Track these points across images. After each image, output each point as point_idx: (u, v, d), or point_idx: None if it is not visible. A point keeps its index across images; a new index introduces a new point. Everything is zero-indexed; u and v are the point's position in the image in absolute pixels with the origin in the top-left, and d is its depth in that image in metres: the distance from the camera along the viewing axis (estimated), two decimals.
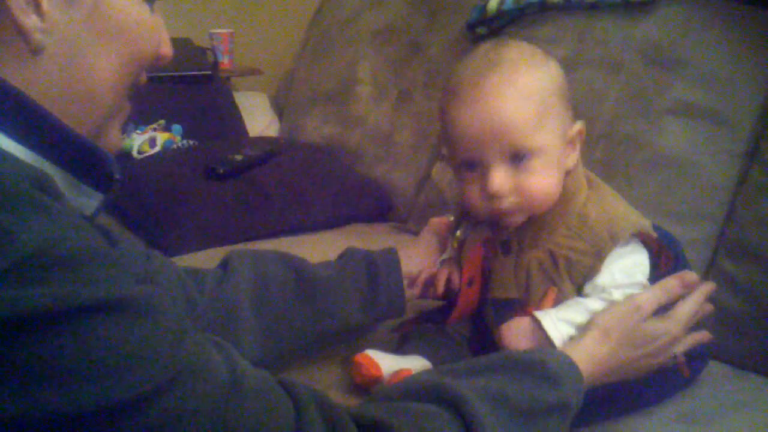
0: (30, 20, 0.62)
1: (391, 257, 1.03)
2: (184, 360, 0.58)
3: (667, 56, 1.27)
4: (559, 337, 0.87)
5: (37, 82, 0.64)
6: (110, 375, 0.53)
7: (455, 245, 1.01)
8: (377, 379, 0.93)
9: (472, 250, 0.95)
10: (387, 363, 0.94)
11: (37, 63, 0.64)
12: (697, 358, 0.97)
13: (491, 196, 0.88)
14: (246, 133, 2.05)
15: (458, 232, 1.02)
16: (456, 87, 0.88)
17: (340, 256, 1.06)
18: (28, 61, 0.63)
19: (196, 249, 1.47)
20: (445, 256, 1.05)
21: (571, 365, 0.80)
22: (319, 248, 1.48)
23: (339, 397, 0.97)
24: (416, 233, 1.56)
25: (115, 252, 0.60)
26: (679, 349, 0.90)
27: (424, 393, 0.73)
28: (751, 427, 0.89)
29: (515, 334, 0.88)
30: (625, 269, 0.89)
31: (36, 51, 0.63)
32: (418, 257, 1.06)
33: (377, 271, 1.01)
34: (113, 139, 0.73)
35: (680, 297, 0.89)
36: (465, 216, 1.01)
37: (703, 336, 0.93)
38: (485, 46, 0.91)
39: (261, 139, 1.95)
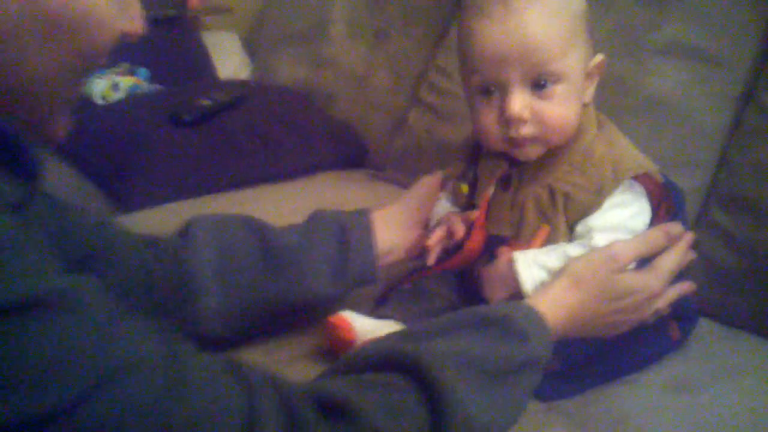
0: None
1: (362, 222, 0.96)
2: (116, 357, 0.52)
3: None
4: (531, 281, 0.82)
5: None
6: (31, 383, 0.47)
7: (464, 190, 0.94)
8: (350, 344, 0.88)
9: (487, 188, 0.90)
10: (362, 327, 0.89)
11: None
12: (686, 317, 0.92)
13: (510, 122, 0.83)
14: (215, 76, 1.96)
15: (463, 185, 0.94)
16: (481, 1, 0.83)
17: (309, 220, 0.99)
18: None
19: (161, 202, 1.40)
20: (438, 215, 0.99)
21: (538, 317, 0.75)
22: (292, 199, 1.42)
23: (308, 366, 0.91)
24: (393, 181, 1.50)
25: (31, 239, 0.53)
26: (662, 304, 0.84)
27: (385, 361, 0.67)
28: (745, 395, 0.84)
29: (491, 276, 0.85)
30: (623, 217, 0.84)
31: None
32: (403, 219, 1.00)
33: (348, 238, 0.94)
34: (60, 128, 0.65)
35: (663, 249, 0.83)
36: (473, 157, 0.94)
37: (688, 287, 0.88)
38: None
39: (230, 83, 1.87)
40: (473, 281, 0.91)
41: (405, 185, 1.45)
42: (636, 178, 0.85)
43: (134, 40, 0.66)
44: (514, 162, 0.88)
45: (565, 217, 0.84)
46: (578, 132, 0.86)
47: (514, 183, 0.88)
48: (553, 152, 0.86)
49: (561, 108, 0.84)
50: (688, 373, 0.88)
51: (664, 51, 1.17)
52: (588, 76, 0.86)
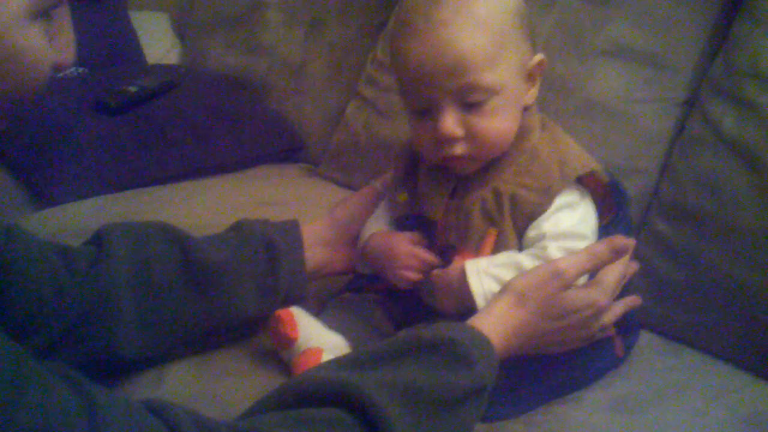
0: None
1: (292, 238, 0.92)
2: (28, 421, 0.48)
3: None
4: (482, 293, 0.80)
5: None
6: None
7: (402, 199, 0.90)
8: (291, 342, 0.84)
9: (438, 200, 0.86)
10: (306, 329, 0.85)
11: None
12: (628, 332, 0.91)
13: (442, 142, 0.80)
14: (143, 59, 1.87)
15: (401, 194, 0.91)
16: (405, 16, 0.81)
17: (235, 230, 0.93)
18: None
19: (84, 196, 1.33)
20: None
21: (484, 341, 0.73)
22: (224, 195, 1.37)
23: (240, 381, 0.87)
24: (328, 178, 1.46)
25: None
26: (608, 319, 0.83)
27: (325, 394, 0.64)
28: (688, 414, 0.83)
29: (443, 284, 0.83)
30: (572, 222, 0.82)
31: None
32: (333, 236, 0.97)
33: (277, 254, 0.90)
34: None
35: (608, 263, 0.81)
36: (412, 165, 0.91)
37: (633, 301, 0.87)
38: None
39: (159, 68, 1.78)
40: (420, 291, 0.88)
41: (341, 182, 1.43)
42: (582, 177, 0.83)
43: (66, 70, 0.60)
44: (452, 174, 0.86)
45: (512, 220, 0.82)
46: (522, 133, 0.84)
47: (460, 189, 0.85)
48: (499, 156, 0.84)
49: (495, 121, 0.81)
50: (632, 390, 0.86)
51: (607, 52, 1.15)
52: (528, 77, 0.83)
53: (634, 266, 0.89)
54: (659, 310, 1.01)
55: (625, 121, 1.12)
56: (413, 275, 0.87)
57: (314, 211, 1.17)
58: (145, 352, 0.86)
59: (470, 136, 0.80)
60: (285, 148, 1.58)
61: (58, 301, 0.80)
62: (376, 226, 0.94)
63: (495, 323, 0.75)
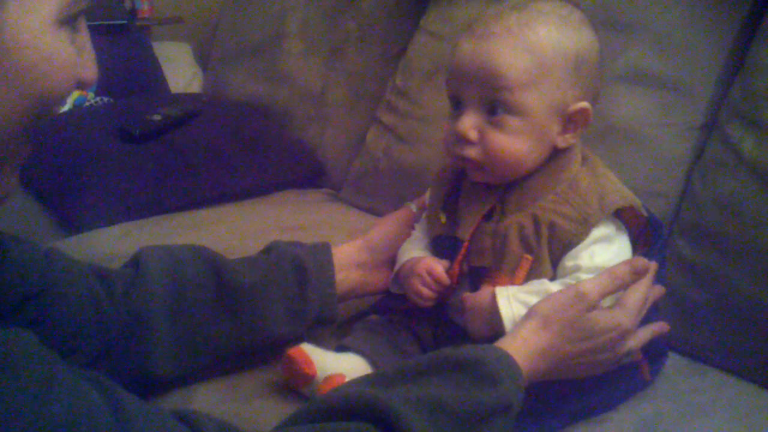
0: None
1: (322, 260, 0.93)
2: (55, 414, 0.49)
3: (620, 18, 1.18)
4: (511, 318, 0.81)
5: None
6: None
7: (443, 221, 0.91)
8: (309, 379, 0.85)
9: (471, 222, 0.87)
10: (322, 361, 0.86)
11: None
12: (657, 356, 0.91)
13: (458, 139, 0.83)
14: (166, 88, 1.91)
15: (442, 215, 0.91)
16: (475, 21, 0.85)
17: (266, 252, 0.95)
18: None
19: (111, 222, 1.35)
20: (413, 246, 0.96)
21: (510, 361, 0.73)
22: (247, 220, 1.39)
23: (268, 402, 0.88)
24: (350, 203, 1.47)
25: None
26: (634, 343, 0.83)
27: (352, 409, 0.65)
28: None
29: (473, 307, 0.83)
30: (608, 258, 0.83)
31: None
32: (366, 260, 0.98)
33: (307, 277, 0.91)
34: (4, 185, 0.62)
35: (629, 284, 0.82)
36: (455, 185, 0.92)
37: (661, 327, 0.87)
38: None
39: (182, 97, 1.82)
40: (446, 312, 0.89)
41: (363, 207, 1.44)
42: (620, 211, 0.84)
43: (89, 87, 0.62)
44: (500, 195, 0.87)
45: (549, 248, 0.83)
46: (562, 164, 0.86)
47: (497, 212, 0.86)
48: (535, 180, 0.85)
49: (510, 140, 0.82)
50: (658, 411, 0.87)
51: (626, 78, 1.16)
52: (566, 120, 0.84)
53: (659, 290, 0.89)
54: (683, 331, 1.01)
55: (644, 145, 1.13)
56: (426, 292, 0.88)
57: (336, 235, 1.19)
58: (178, 371, 0.87)
59: (483, 144, 0.83)
60: (307, 173, 1.60)
61: (96, 323, 0.82)
62: (414, 248, 0.94)
63: (520, 346, 0.76)
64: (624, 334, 0.81)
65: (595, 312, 0.79)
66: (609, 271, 0.81)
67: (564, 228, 0.82)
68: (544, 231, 0.82)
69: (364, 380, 0.73)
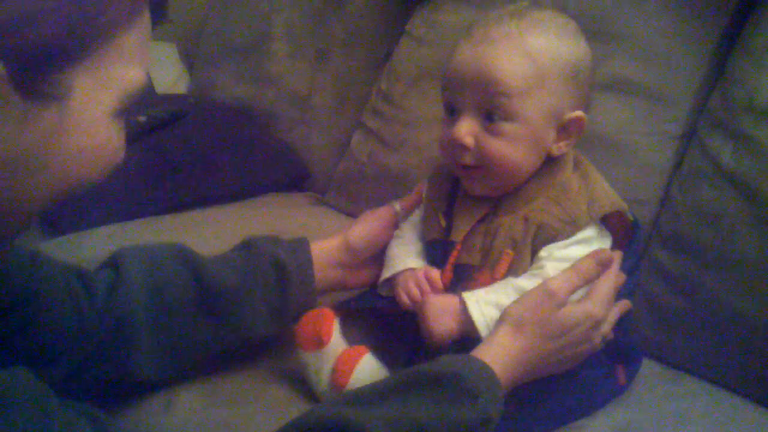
0: None
1: (302, 258, 0.93)
2: None
3: (602, 28, 1.19)
4: (484, 322, 0.82)
5: None
6: None
7: (443, 224, 0.91)
8: (322, 344, 0.84)
9: (465, 227, 0.88)
10: (337, 336, 0.86)
11: None
12: (631, 360, 0.92)
13: (454, 144, 0.83)
14: (152, 89, 1.90)
15: (441, 219, 0.92)
16: (474, 26, 0.86)
17: (244, 248, 0.95)
18: None
19: (93, 225, 1.34)
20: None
21: (487, 372, 0.74)
22: (231, 223, 1.38)
23: (247, 408, 0.88)
24: (334, 207, 1.48)
25: None
26: (606, 328, 0.84)
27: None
28: None
29: (441, 313, 0.83)
30: (581, 253, 0.84)
31: None
32: (345, 259, 0.97)
33: (287, 275, 0.91)
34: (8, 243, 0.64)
35: (596, 277, 0.83)
36: (453, 190, 0.93)
37: (625, 305, 0.89)
38: (528, 1, 0.88)
39: (167, 98, 1.81)
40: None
41: (347, 211, 1.45)
42: (609, 216, 0.86)
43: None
44: (495, 202, 0.88)
45: (533, 245, 0.84)
46: (555, 169, 0.87)
47: (490, 214, 0.87)
48: (528, 186, 0.86)
49: (506, 147, 0.83)
50: (634, 419, 0.88)
51: (607, 87, 1.17)
52: (562, 127, 0.85)
53: (623, 277, 0.89)
54: (660, 337, 1.03)
55: (624, 154, 1.14)
56: (417, 295, 0.87)
57: (320, 239, 1.19)
58: (160, 373, 0.88)
59: (479, 150, 0.84)
60: (291, 177, 1.60)
61: (79, 328, 0.82)
62: (408, 254, 0.93)
63: (496, 353, 0.77)
64: (597, 324, 0.82)
65: (565, 307, 0.80)
66: (574, 266, 0.82)
67: (552, 227, 0.84)
68: (532, 229, 0.84)
69: (341, 400, 0.74)
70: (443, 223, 0.90)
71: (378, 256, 0.97)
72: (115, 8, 0.56)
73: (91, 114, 0.57)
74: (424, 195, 0.97)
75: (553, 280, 0.80)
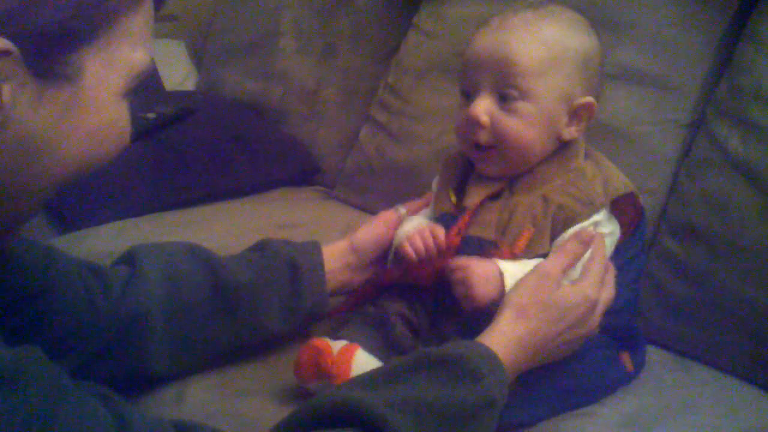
0: None
1: (314, 259, 0.95)
2: (64, 427, 0.51)
3: (609, 17, 1.19)
4: None
5: None
6: None
7: (453, 200, 0.93)
8: (326, 377, 0.84)
9: (474, 198, 0.90)
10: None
11: None
12: (635, 347, 0.93)
13: (470, 123, 0.87)
14: (161, 86, 1.91)
15: (452, 196, 0.93)
16: (492, 17, 0.90)
17: (259, 249, 0.97)
18: None
19: (105, 220, 1.36)
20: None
21: (490, 355, 0.75)
22: (242, 218, 1.40)
23: (260, 399, 0.89)
24: (343, 200, 1.49)
25: None
26: (601, 309, 0.85)
27: (338, 414, 0.67)
28: (699, 430, 0.85)
29: (485, 280, 0.84)
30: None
31: None
32: (352, 261, 0.99)
33: (300, 275, 0.93)
34: (9, 241, 0.66)
35: (581, 255, 0.84)
36: (466, 170, 0.95)
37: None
38: None
39: (176, 95, 1.82)
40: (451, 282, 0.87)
41: (356, 204, 1.46)
42: (618, 200, 0.89)
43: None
44: (510, 179, 0.90)
45: (552, 224, 0.86)
46: (569, 156, 0.90)
47: (506, 193, 0.90)
48: (544, 167, 0.89)
49: (520, 125, 0.87)
50: (643, 406, 0.88)
51: (614, 76, 1.17)
52: (573, 112, 0.89)
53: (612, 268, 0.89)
54: (669, 325, 1.03)
55: (632, 143, 1.14)
56: (420, 246, 0.89)
57: (330, 232, 1.20)
58: (174, 368, 0.89)
59: (494, 128, 0.87)
60: (300, 171, 1.61)
61: (93, 322, 0.83)
62: (415, 224, 0.95)
63: (499, 339, 0.78)
64: (593, 306, 0.83)
65: (562, 289, 0.81)
66: (560, 248, 0.84)
67: (571, 207, 0.86)
68: (552, 209, 0.86)
69: (350, 383, 0.75)
70: (454, 198, 0.93)
71: (383, 257, 0.99)
72: None
73: (101, 94, 0.59)
74: (435, 180, 0.99)
75: (546, 263, 0.83)
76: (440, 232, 0.89)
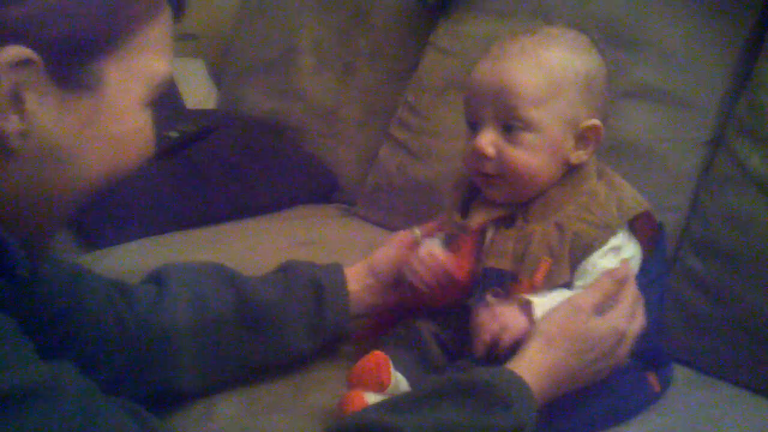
0: (9, 123, 0.54)
1: (337, 279, 0.96)
2: None
3: (626, 35, 1.20)
4: None
5: None
6: None
7: (458, 219, 0.93)
8: (382, 388, 0.84)
9: (478, 219, 0.90)
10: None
11: (2, 164, 0.56)
12: (661, 366, 0.93)
13: (476, 155, 0.87)
14: (182, 105, 1.93)
15: (457, 215, 0.93)
16: (492, 44, 0.90)
17: (284, 271, 0.98)
18: None
19: (128, 239, 1.37)
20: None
21: (520, 383, 0.75)
22: (264, 236, 1.41)
23: (285, 416, 0.90)
24: (364, 218, 1.50)
25: (5, 325, 0.52)
26: (629, 342, 0.85)
27: None
28: None
29: (502, 313, 0.83)
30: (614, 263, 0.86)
31: (7, 154, 0.55)
32: (370, 283, 0.99)
33: (324, 296, 0.94)
34: (48, 243, 0.66)
35: (614, 293, 0.84)
36: (472, 193, 0.95)
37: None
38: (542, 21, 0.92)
39: (197, 113, 1.84)
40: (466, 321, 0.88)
41: (377, 222, 1.46)
42: (636, 219, 0.88)
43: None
44: (522, 205, 0.90)
45: (570, 252, 0.86)
46: (581, 178, 0.89)
47: (519, 220, 0.89)
48: (556, 192, 0.88)
49: (526, 156, 0.86)
50: (669, 425, 0.88)
51: (632, 94, 1.18)
52: (579, 136, 0.87)
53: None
54: (693, 344, 1.03)
55: (652, 161, 1.15)
56: (422, 272, 0.89)
57: (351, 250, 1.21)
58: (201, 386, 0.90)
59: (500, 159, 0.86)
60: (321, 189, 1.63)
61: (121, 339, 0.84)
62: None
63: (528, 367, 0.78)
64: (622, 337, 0.83)
65: (591, 321, 0.82)
66: (595, 284, 0.84)
67: (587, 233, 0.85)
68: (568, 238, 0.85)
69: (378, 407, 0.75)
70: (458, 219, 0.93)
71: (402, 279, 0.99)
72: (139, 2, 0.60)
73: (123, 103, 0.60)
74: (445, 202, 1.00)
75: (579, 296, 0.83)
76: (438, 252, 0.89)
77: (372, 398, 0.83)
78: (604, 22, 1.22)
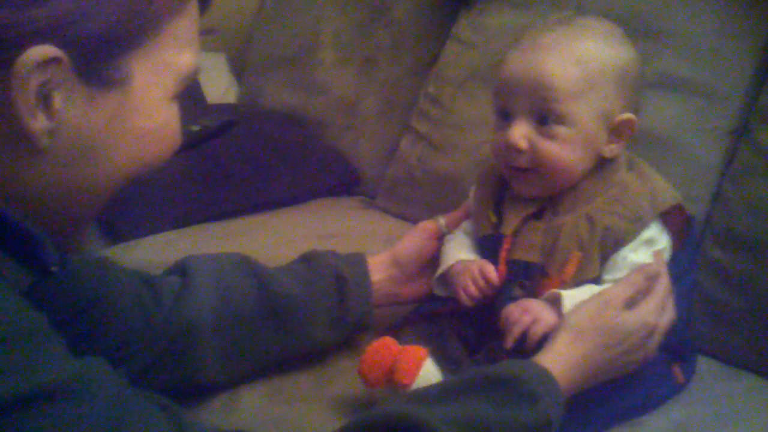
0: (37, 122, 0.54)
1: (359, 270, 0.96)
2: None
3: (651, 26, 1.19)
4: None
5: (24, 178, 0.56)
6: None
7: (493, 219, 0.92)
8: (401, 386, 0.82)
9: (513, 220, 0.89)
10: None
11: (33, 162, 0.56)
12: (685, 358, 0.93)
13: (508, 148, 0.86)
14: (203, 99, 1.94)
15: (492, 214, 0.93)
16: (524, 34, 0.89)
17: (305, 261, 0.98)
18: (23, 159, 0.56)
19: (151, 232, 1.38)
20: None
21: (547, 376, 0.75)
22: (285, 228, 1.41)
23: (310, 406, 0.90)
24: (385, 210, 1.50)
25: (38, 322, 0.53)
26: (659, 336, 0.85)
27: (393, 428, 0.68)
28: None
29: (531, 307, 0.83)
30: (648, 257, 0.86)
31: (37, 153, 0.56)
32: (394, 273, 0.99)
33: (346, 287, 0.94)
34: (80, 238, 0.68)
35: (644, 289, 0.84)
36: (502, 187, 0.94)
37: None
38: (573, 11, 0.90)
39: (218, 107, 1.85)
40: (494, 315, 0.88)
41: (398, 214, 1.47)
42: (667, 212, 0.88)
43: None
44: (551, 197, 0.89)
45: (600, 246, 0.85)
46: (611, 170, 0.89)
47: (548, 212, 0.89)
48: (586, 184, 0.88)
49: (560, 149, 0.85)
50: (693, 416, 0.88)
51: (656, 84, 1.17)
52: (613, 130, 0.87)
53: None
54: (717, 335, 1.03)
55: (676, 151, 1.14)
56: (473, 290, 0.88)
57: (372, 242, 1.21)
58: (225, 378, 0.91)
59: (533, 153, 0.86)
60: (342, 181, 1.63)
61: (146, 332, 0.85)
62: (460, 249, 0.95)
63: (556, 360, 0.78)
64: (651, 332, 0.83)
65: (621, 315, 0.81)
66: (626, 278, 0.84)
67: (619, 227, 0.85)
68: (598, 232, 0.85)
69: (405, 399, 0.76)
70: (493, 218, 0.92)
71: (426, 268, 1.00)
72: None
73: (150, 97, 0.60)
74: (473, 195, 0.99)
75: (610, 290, 0.83)
76: (490, 269, 0.88)
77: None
78: (628, 12, 1.21)
